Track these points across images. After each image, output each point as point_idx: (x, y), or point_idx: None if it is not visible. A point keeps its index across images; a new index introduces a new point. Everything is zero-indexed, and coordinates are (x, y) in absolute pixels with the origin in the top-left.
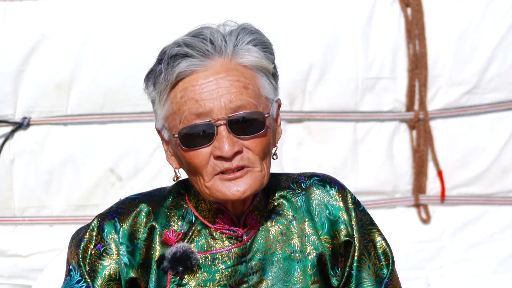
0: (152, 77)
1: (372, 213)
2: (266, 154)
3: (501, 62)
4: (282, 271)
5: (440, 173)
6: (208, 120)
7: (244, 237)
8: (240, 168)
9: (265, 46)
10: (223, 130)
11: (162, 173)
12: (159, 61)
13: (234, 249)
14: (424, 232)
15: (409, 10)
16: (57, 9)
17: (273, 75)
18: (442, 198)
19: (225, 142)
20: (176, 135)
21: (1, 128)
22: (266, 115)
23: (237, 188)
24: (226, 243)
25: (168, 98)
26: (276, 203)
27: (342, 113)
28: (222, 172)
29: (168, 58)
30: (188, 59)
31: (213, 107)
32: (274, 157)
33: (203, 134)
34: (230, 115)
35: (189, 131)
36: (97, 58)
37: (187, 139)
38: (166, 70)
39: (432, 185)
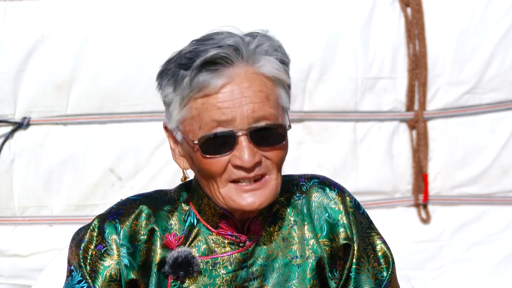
0: (169, 78)
1: (372, 213)
2: (282, 165)
3: (501, 62)
4: (282, 277)
5: (425, 176)
6: (229, 129)
7: (247, 243)
8: (257, 178)
9: (284, 63)
10: (244, 140)
11: (162, 173)
12: (181, 65)
13: (236, 254)
14: (424, 232)
15: (409, 10)
16: (57, 9)
17: (288, 86)
18: (425, 201)
19: (246, 152)
20: (196, 141)
21: (1, 128)
22: (287, 127)
23: (253, 199)
24: (228, 248)
25: (188, 103)
26: (278, 207)
27: (342, 113)
28: (238, 180)
29: (196, 67)
30: (218, 73)
31: (235, 116)
32: None
33: (224, 143)
34: (253, 125)
35: (209, 138)
36: (97, 58)
37: (207, 146)
38: (192, 78)
39: (432, 185)
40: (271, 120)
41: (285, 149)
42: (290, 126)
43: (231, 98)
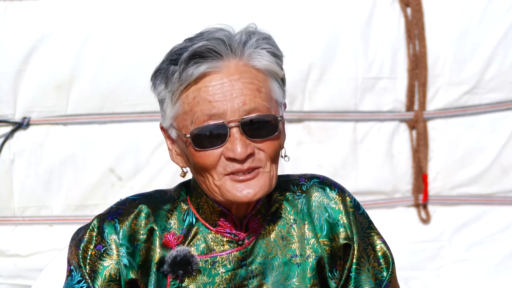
0: (161, 76)
1: (372, 213)
2: (277, 156)
3: (501, 62)
4: (282, 275)
5: (425, 176)
6: (221, 121)
7: (246, 241)
8: (251, 170)
9: (276, 56)
10: (236, 132)
11: (162, 173)
12: (172, 61)
13: (235, 252)
14: (423, 232)
15: (409, 10)
16: (57, 9)
17: (282, 80)
18: (424, 201)
19: (238, 144)
20: (188, 135)
21: (1, 128)
22: (279, 118)
23: (248, 190)
24: (227, 246)
25: (180, 98)
26: (277, 206)
27: (342, 113)
28: (233, 173)
29: (184, 60)
30: (204, 63)
31: (226, 109)
32: (286, 159)
33: (216, 135)
34: (244, 117)
35: (201, 132)
36: (97, 58)
37: (199, 140)
38: (181, 71)
39: (432, 185)
40: (263, 112)
41: (278, 140)
42: (283, 122)
43: (221, 91)
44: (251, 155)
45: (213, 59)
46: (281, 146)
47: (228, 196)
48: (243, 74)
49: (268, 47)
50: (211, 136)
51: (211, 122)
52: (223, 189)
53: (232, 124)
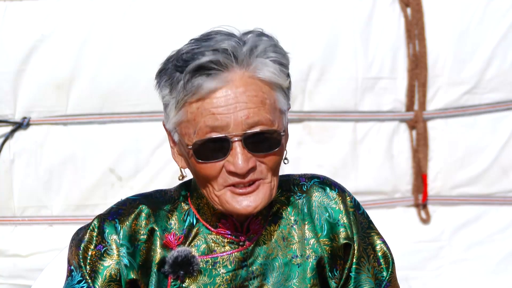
0: (166, 78)
1: (372, 213)
2: (278, 167)
3: (501, 62)
4: (282, 276)
5: (424, 176)
6: (223, 135)
7: (246, 242)
8: (251, 182)
9: (282, 64)
10: (238, 146)
11: (162, 173)
12: (177, 67)
13: (235, 253)
14: (423, 232)
15: (409, 10)
16: (57, 9)
17: (287, 88)
18: (424, 201)
19: (239, 158)
20: (190, 146)
21: (1, 128)
22: (282, 133)
23: (248, 203)
24: (227, 247)
25: (184, 107)
26: (279, 207)
27: (342, 113)
28: (233, 185)
29: (189, 71)
30: (210, 76)
31: (229, 122)
32: (286, 161)
33: (218, 148)
34: (247, 131)
35: (203, 144)
36: (97, 58)
37: (201, 151)
38: (186, 82)
39: (432, 185)
40: (266, 126)
41: (280, 153)
42: (285, 130)
43: (226, 104)
44: (252, 168)
45: (218, 71)
46: (283, 158)
47: (228, 207)
48: (248, 86)
49: (274, 55)
50: (213, 149)
51: (214, 135)
52: (223, 200)
53: (235, 138)
